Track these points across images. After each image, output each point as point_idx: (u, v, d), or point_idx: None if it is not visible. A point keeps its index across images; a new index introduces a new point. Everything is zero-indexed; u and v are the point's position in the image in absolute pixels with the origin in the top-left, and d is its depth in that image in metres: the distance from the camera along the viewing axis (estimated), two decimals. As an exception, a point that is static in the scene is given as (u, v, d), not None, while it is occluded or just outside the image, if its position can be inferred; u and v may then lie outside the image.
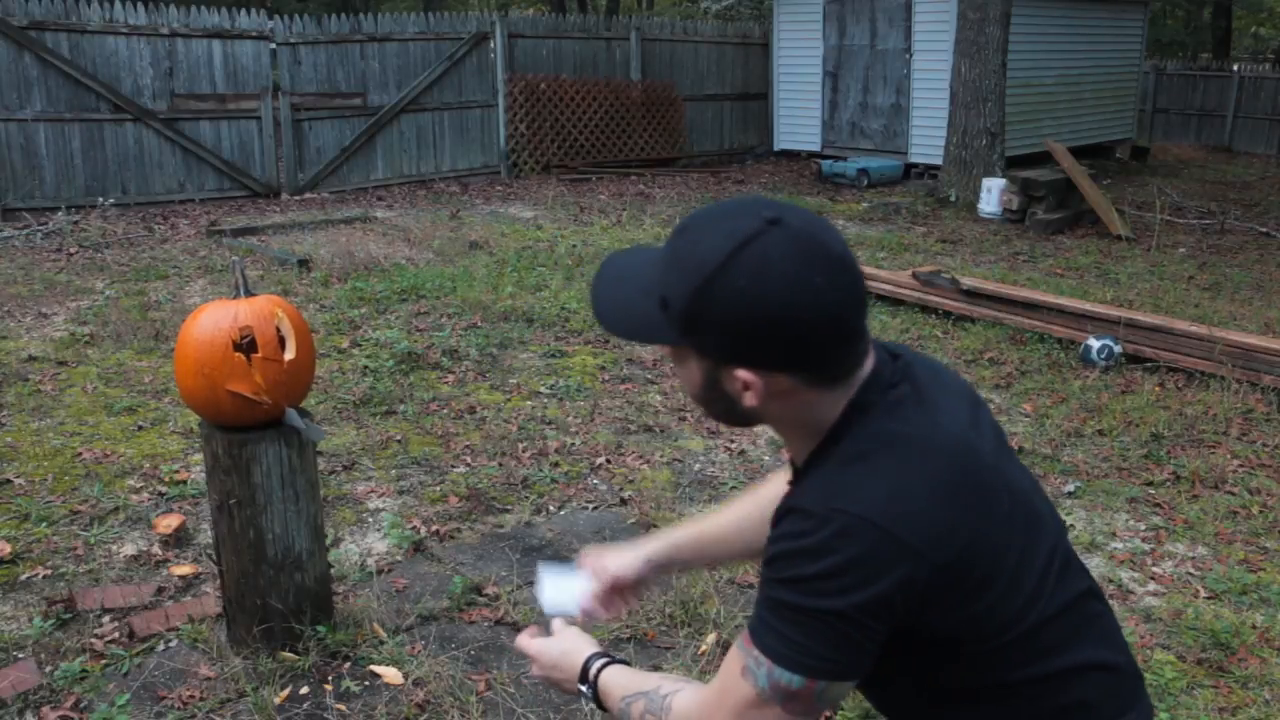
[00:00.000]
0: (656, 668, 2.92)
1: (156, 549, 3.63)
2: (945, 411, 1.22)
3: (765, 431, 4.86)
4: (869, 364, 1.20)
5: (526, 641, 1.49)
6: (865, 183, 13.07)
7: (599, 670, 1.39)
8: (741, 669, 1.17)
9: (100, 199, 10.24)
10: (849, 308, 1.12)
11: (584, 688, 1.39)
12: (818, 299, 1.09)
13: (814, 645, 1.13)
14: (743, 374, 1.14)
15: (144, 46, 10.54)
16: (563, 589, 1.60)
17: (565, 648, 1.44)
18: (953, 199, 11.73)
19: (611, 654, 1.43)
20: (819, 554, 1.11)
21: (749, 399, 1.17)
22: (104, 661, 2.94)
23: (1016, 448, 4.65)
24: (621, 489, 4.20)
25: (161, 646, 3.02)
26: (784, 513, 1.18)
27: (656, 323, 1.16)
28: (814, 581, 1.11)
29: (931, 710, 1.28)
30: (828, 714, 2.78)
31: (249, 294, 2.80)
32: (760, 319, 1.09)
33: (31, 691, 2.78)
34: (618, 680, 1.36)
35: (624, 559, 1.60)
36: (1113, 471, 4.44)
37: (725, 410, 1.22)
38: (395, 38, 12.23)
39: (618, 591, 1.60)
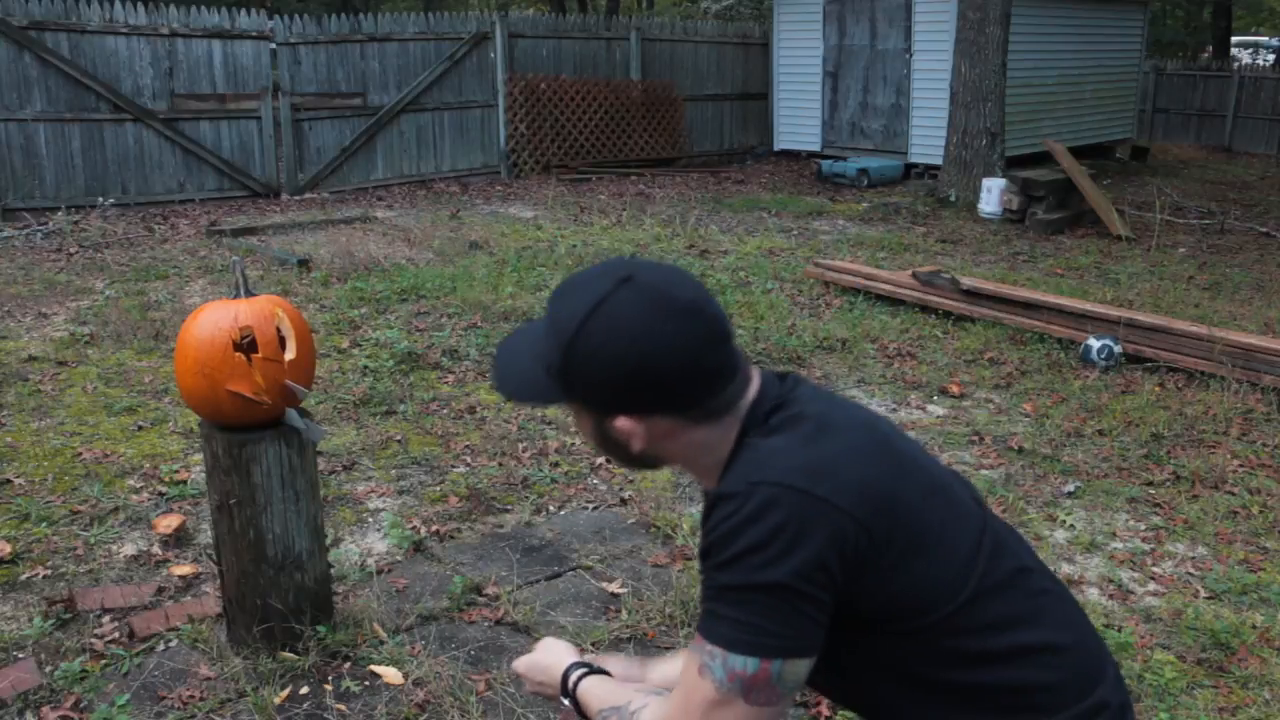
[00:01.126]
0: (656, 668, 2.92)
1: (156, 549, 3.63)
2: (844, 405, 1.32)
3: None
4: (752, 390, 1.29)
5: (518, 663, 1.56)
6: (865, 183, 13.07)
7: (577, 681, 1.43)
8: (698, 668, 1.19)
9: (100, 199, 10.24)
10: (704, 348, 1.22)
11: (565, 700, 1.44)
12: (670, 345, 1.19)
13: (763, 622, 1.16)
14: (622, 422, 1.25)
15: (144, 46, 10.54)
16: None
17: (547, 662, 1.51)
18: (953, 199, 11.72)
19: (590, 663, 1.46)
20: (747, 526, 1.17)
21: (635, 444, 1.27)
22: (104, 661, 2.94)
23: (1017, 448, 4.65)
24: (621, 489, 4.20)
25: (161, 646, 3.02)
26: (710, 505, 1.22)
27: (545, 386, 1.27)
28: (748, 555, 1.16)
29: (892, 701, 1.30)
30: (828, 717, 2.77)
31: (249, 294, 2.80)
32: (620, 371, 1.20)
33: (31, 691, 2.78)
34: (594, 692, 1.41)
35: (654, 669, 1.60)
36: (1113, 471, 4.44)
37: (623, 456, 1.31)
38: (395, 38, 12.23)
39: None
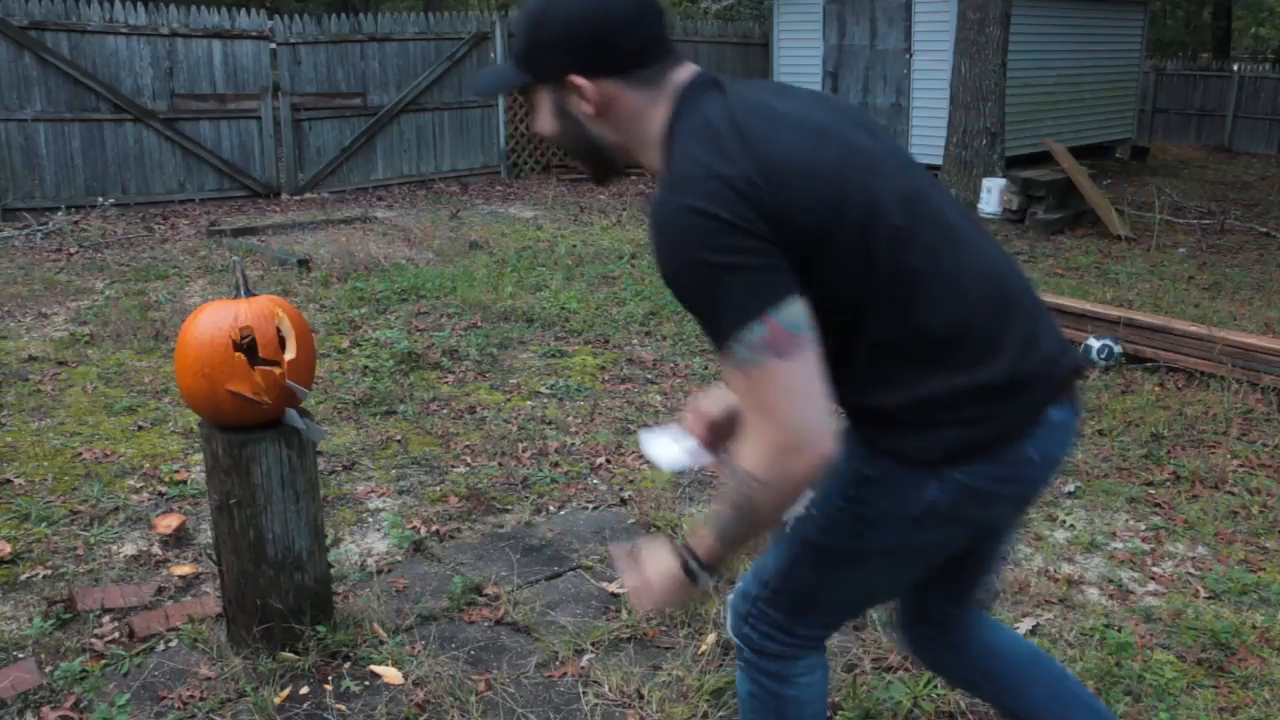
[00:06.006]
0: (657, 668, 2.92)
1: (156, 549, 3.63)
2: (778, 93, 1.59)
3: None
4: (685, 73, 1.55)
5: (644, 594, 1.62)
6: (865, 183, 13.05)
7: (692, 553, 1.53)
8: (739, 373, 1.37)
9: (100, 199, 10.24)
10: (646, 12, 1.52)
11: (703, 574, 1.53)
12: (618, 7, 1.49)
13: (737, 292, 1.34)
14: (577, 80, 1.48)
15: (144, 46, 10.54)
16: (668, 446, 1.77)
17: (659, 569, 1.58)
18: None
19: (687, 542, 1.56)
20: (672, 233, 1.39)
21: (587, 108, 1.50)
22: (104, 661, 2.94)
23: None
24: (621, 489, 4.20)
25: (161, 646, 3.02)
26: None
27: (510, 72, 1.54)
28: (690, 250, 1.37)
29: (861, 370, 1.50)
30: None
31: (249, 294, 2.80)
32: (576, 27, 1.47)
33: (31, 691, 2.78)
34: (708, 524, 1.51)
35: (713, 396, 1.82)
36: (1113, 471, 4.44)
37: (581, 139, 1.53)
38: (395, 38, 12.23)
39: (715, 431, 1.77)
